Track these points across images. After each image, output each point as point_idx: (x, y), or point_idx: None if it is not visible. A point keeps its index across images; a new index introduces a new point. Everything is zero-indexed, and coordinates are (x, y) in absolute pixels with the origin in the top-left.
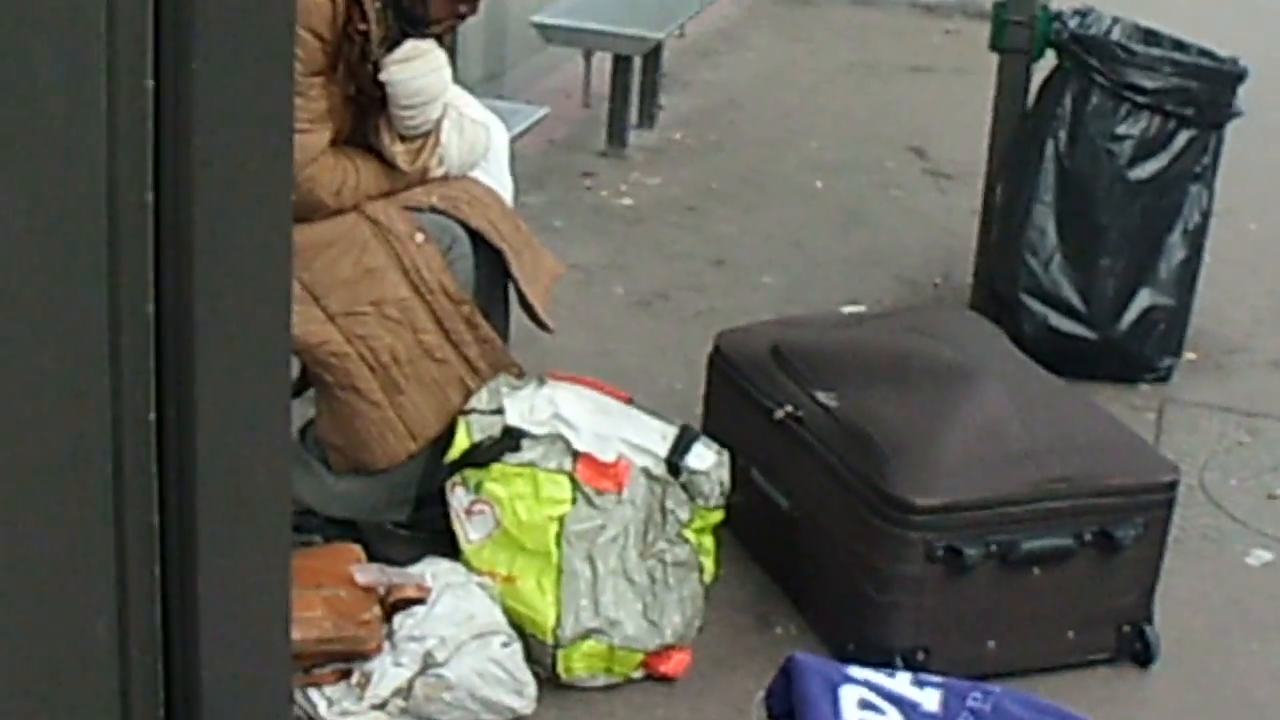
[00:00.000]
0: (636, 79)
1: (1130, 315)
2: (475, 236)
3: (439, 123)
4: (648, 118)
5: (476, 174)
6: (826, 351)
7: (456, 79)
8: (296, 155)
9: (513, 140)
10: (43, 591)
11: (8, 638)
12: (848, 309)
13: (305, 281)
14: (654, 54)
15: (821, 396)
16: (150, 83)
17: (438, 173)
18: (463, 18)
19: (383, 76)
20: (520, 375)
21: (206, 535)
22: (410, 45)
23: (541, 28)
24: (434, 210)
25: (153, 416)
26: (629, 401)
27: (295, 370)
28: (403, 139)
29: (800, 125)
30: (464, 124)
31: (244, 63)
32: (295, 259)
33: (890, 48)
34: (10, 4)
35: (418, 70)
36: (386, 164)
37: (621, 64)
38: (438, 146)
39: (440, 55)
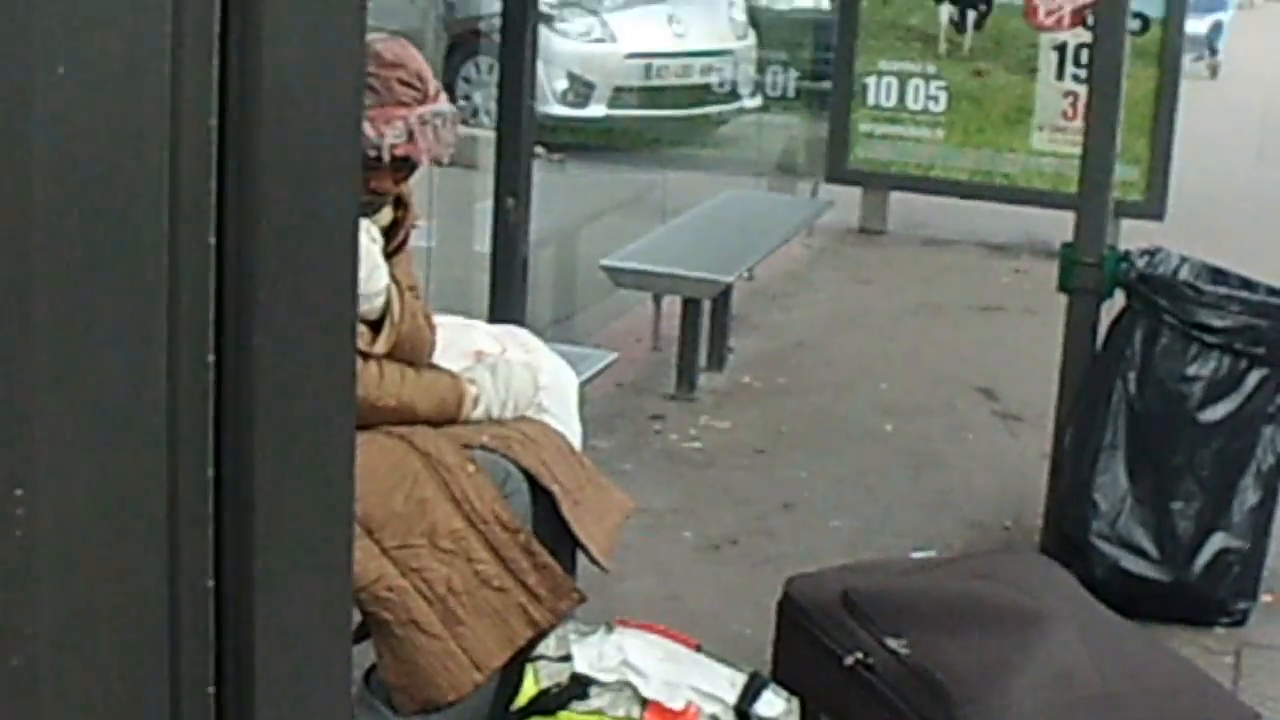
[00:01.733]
0: (706, 322)
1: (1204, 558)
2: (531, 476)
3: (390, 300)
4: (717, 360)
5: (546, 419)
6: (896, 597)
7: (525, 323)
8: None
9: (582, 385)
10: None
11: None
12: (917, 554)
13: (358, 515)
14: (723, 297)
15: (892, 643)
16: (211, 358)
17: (475, 414)
18: (377, 193)
19: None
20: (581, 600)
21: None
22: None
23: (611, 271)
24: (484, 449)
25: (211, 689)
26: (698, 648)
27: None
28: (364, 322)
29: (870, 367)
30: (498, 366)
31: (305, 336)
32: None
33: (959, 288)
34: (69, 282)
35: None
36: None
37: (691, 307)
38: (440, 374)
39: None
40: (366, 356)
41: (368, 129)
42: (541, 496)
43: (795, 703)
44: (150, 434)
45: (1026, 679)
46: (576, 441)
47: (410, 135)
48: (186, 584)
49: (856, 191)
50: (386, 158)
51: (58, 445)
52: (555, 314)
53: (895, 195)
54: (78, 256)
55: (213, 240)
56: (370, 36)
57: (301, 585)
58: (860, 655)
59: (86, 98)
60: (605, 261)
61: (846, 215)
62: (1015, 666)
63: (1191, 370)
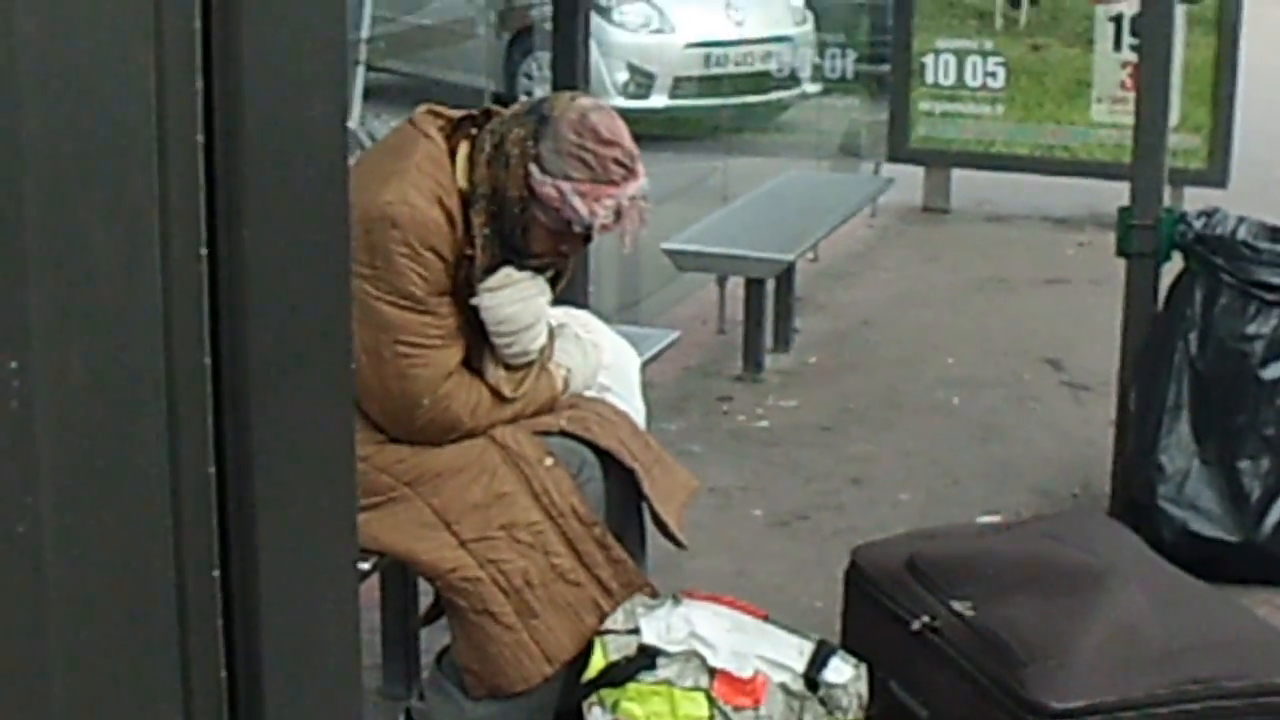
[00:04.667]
0: (770, 302)
1: (1273, 518)
2: (606, 457)
3: (543, 353)
4: (783, 341)
5: (610, 398)
6: (961, 561)
7: (592, 308)
8: (430, 372)
9: (646, 364)
10: None
11: None
12: (983, 519)
13: (436, 507)
14: (786, 277)
15: (957, 605)
16: (204, 251)
17: (564, 396)
18: (565, 256)
19: (473, 301)
20: (654, 595)
21: None
22: (504, 273)
23: (673, 254)
24: (563, 433)
25: (216, 573)
26: (765, 618)
27: (430, 597)
28: (506, 367)
29: (936, 342)
30: (586, 346)
31: (297, 227)
32: (426, 484)
33: (1024, 262)
34: (62, 176)
35: (505, 299)
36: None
37: (754, 287)
38: (544, 375)
39: (532, 286)
40: (502, 399)
41: (579, 205)
42: (614, 478)
43: (863, 669)
44: (146, 316)
45: (1091, 637)
46: (641, 421)
47: (618, 214)
48: (187, 466)
49: (919, 172)
50: (595, 235)
51: (53, 324)
52: (620, 300)
53: (957, 173)
54: (69, 148)
55: (201, 138)
56: (583, 103)
57: (301, 462)
58: (927, 619)
59: None
60: (667, 244)
61: (909, 195)
62: (1080, 625)
63: (1252, 329)
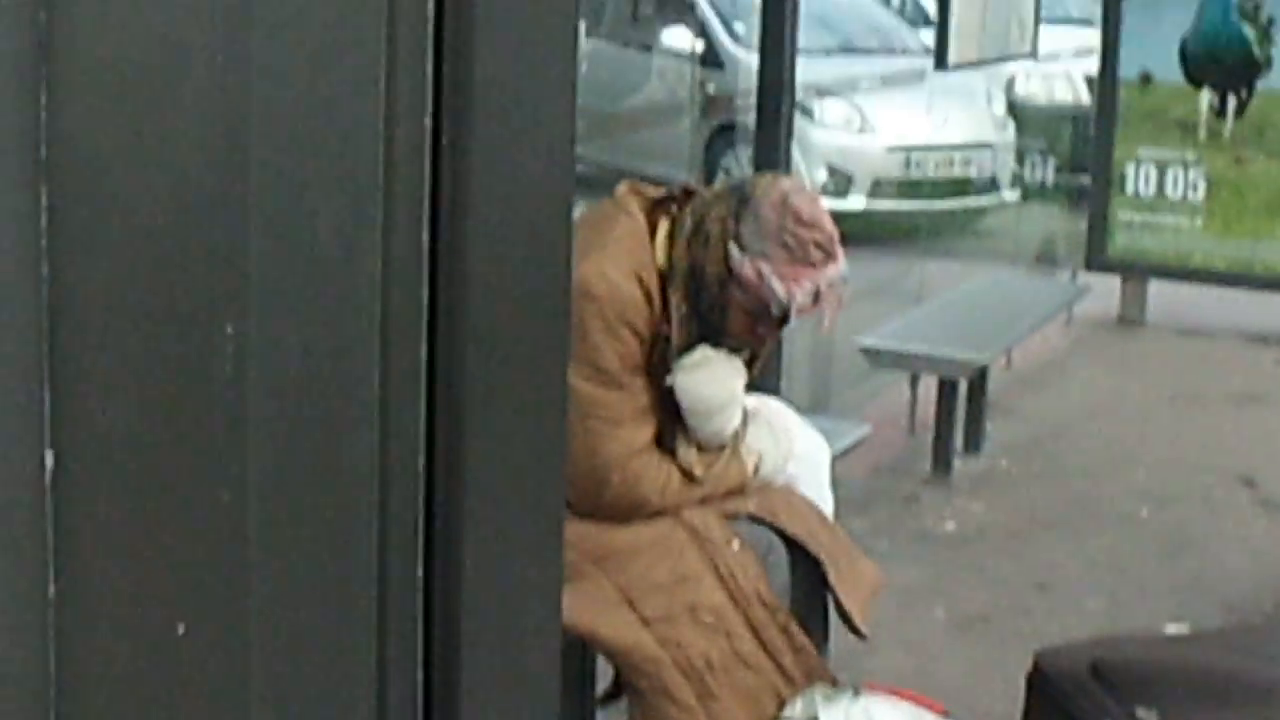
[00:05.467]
0: (962, 405)
1: None
2: (792, 545)
3: (736, 435)
4: (973, 444)
5: (799, 487)
6: (1148, 668)
7: (784, 399)
8: (620, 449)
9: (835, 459)
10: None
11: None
12: (1171, 628)
13: (621, 585)
14: (980, 379)
15: (1142, 714)
16: (426, 240)
17: (755, 482)
18: (761, 338)
19: (668, 380)
20: (835, 685)
21: None
22: (700, 353)
23: (868, 352)
24: (751, 518)
25: (420, 553)
26: (944, 714)
27: (609, 677)
28: (699, 448)
29: (1126, 454)
30: (778, 433)
31: (519, 240)
32: (611, 561)
33: (1218, 378)
34: (287, 150)
35: (701, 379)
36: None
37: (947, 388)
38: (735, 458)
39: (728, 367)
40: (692, 479)
41: (778, 286)
42: (800, 566)
43: None
44: (364, 302)
45: None
46: (829, 513)
47: (816, 297)
48: (397, 459)
49: (1116, 282)
50: (793, 318)
51: (272, 296)
52: (811, 396)
53: (1154, 284)
54: (296, 124)
55: (429, 148)
56: (785, 184)
57: (512, 471)
58: None
59: None
60: (863, 341)
61: (1105, 305)
62: None
63: None
